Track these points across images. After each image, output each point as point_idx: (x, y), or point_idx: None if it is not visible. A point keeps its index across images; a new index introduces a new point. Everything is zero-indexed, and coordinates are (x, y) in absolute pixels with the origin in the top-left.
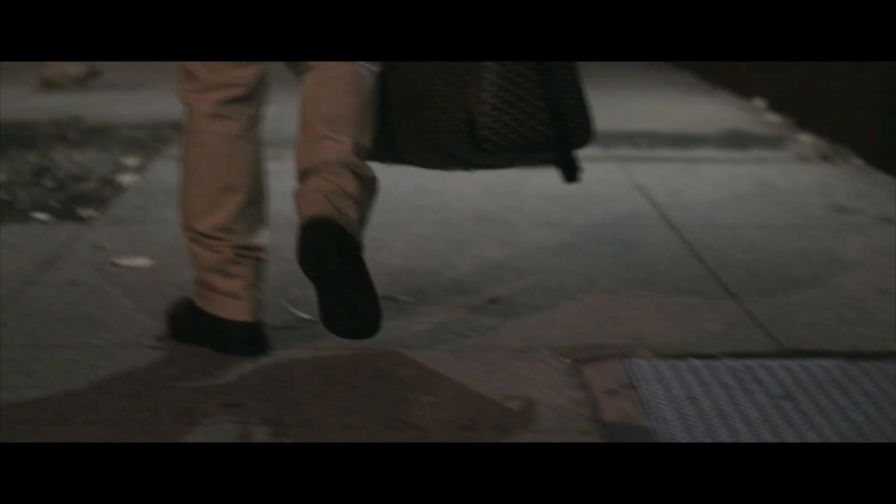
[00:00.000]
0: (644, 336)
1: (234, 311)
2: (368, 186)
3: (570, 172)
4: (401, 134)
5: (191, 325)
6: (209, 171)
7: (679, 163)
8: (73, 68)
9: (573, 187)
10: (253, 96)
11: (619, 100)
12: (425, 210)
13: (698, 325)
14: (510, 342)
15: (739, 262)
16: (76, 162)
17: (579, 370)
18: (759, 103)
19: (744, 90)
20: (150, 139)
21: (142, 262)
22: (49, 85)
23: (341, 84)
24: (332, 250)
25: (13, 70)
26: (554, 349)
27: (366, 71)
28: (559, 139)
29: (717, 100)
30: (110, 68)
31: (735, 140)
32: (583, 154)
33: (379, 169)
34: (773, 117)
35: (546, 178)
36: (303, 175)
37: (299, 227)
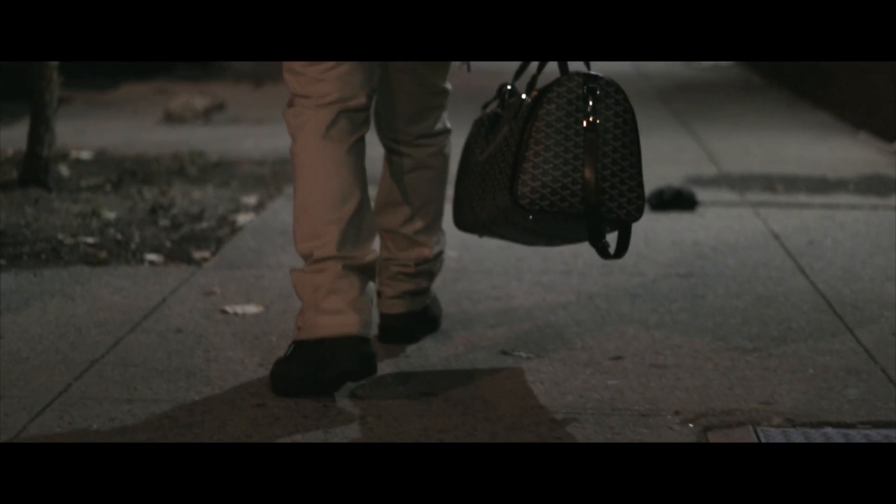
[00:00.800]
0: (776, 401)
1: (340, 326)
2: (439, 264)
3: (598, 248)
4: (479, 206)
5: (294, 368)
6: (331, 184)
7: (817, 209)
8: (198, 101)
9: (707, 236)
10: (367, 109)
11: (756, 140)
12: (552, 257)
13: (835, 390)
14: (633, 405)
15: (881, 320)
16: (194, 199)
17: (706, 438)
18: None
19: (885, 131)
20: (271, 176)
21: (252, 309)
22: (172, 118)
23: (419, 187)
24: (414, 329)
25: (137, 102)
26: (680, 413)
27: (438, 163)
28: (589, 211)
29: (856, 142)
30: (233, 102)
31: (875, 185)
32: (717, 199)
33: None
34: None
35: (677, 225)
36: (383, 267)
37: (383, 318)
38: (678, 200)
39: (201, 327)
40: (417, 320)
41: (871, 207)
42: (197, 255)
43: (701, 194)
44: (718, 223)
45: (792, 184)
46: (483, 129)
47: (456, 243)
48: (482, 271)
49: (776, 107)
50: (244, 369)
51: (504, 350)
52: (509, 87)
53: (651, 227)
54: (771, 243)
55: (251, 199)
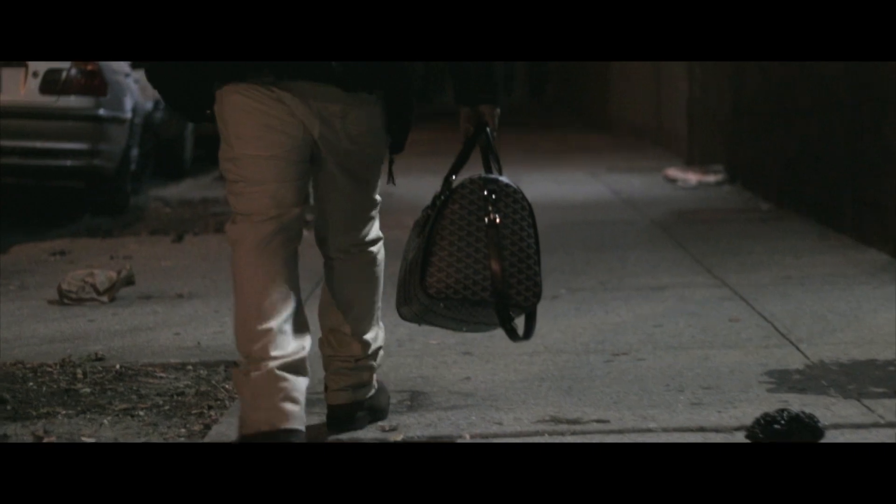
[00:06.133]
0: None
1: (274, 421)
2: (378, 358)
3: (508, 329)
4: (409, 298)
5: None
6: (268, 287)
7: None
8: (100, 276)
9: None
10: (294, 227)
11: (822, 300)
12: None
13: None
14: None
15: None
16: None
17: None
18: None
19: None
20: (193, 394)
21: None
22: (67, 298)
23: (352, 287)
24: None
25: (26, 273)
26: None
27: (372, 265)
28: (498, 298)
29: None
30: (146, 266)
31: None
32: (838, 416)
33: None
34: None
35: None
36: (328, 362)
37: (329, 409)
38: (798, 430)
39: None
40: (360, 409)
41: None
42: None
43: (806, 404)
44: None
45: None
46: (417, 229)
47: None
48: None
49: (812, 244)
50: None
51: None
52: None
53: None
54: None
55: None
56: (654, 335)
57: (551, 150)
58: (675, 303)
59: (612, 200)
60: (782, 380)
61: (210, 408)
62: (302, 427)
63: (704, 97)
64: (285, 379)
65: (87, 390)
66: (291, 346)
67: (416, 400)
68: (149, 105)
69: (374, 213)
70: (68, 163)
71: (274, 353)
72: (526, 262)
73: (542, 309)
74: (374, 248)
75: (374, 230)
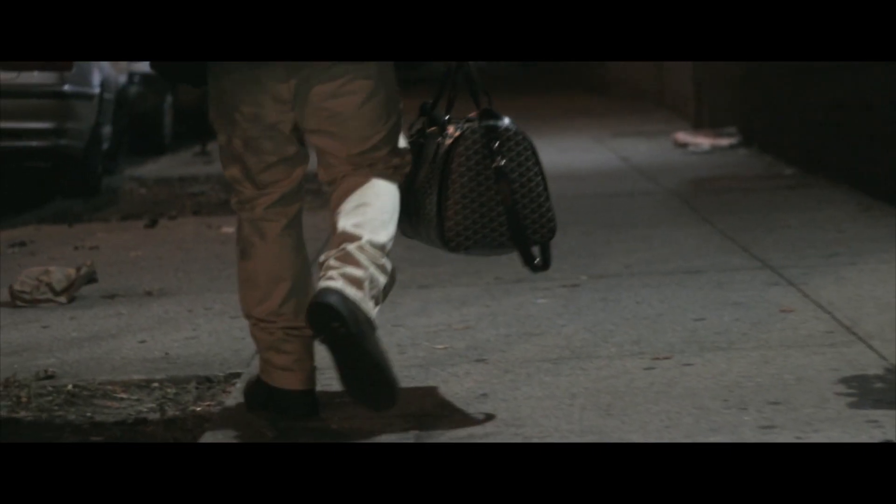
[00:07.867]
0: None
1: (289, 381)
2: (380, 270)
3: (531, 266)
4: (418, 232)
5: (258, 395)
6: (259, 267)
7: None
8: (57, 274)
9: None
10: (291, 197)
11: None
12: None
13: None
14: None
15: None
16: None
17: None
18: None
19: None
20: (157, 421)
21: None
22: (20, 300)
23: (360, 195)
24: (336, 314)
25: None
26: None
27: (384, 180)
28: (517, 240)
29: None
30: (113, 258)
31: None
32: None
33: None
34: None
35: None
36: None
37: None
38: None
39: None
40: (352, 313)
41: None
42: None
43: None
44: None
45: None
46: (423, 159)
47: None
48: None
49: (852, 214)
50: None
51: None
52: (429, 113)
53: None
54: None
55: None
56: (698, 332)
57: (549, 115)
58: (713, 290)
59: (622, 168)
60: (863, 390)
61: (176, 441)
62: (314, 385)
63: None
64: (296, 343)
65: (31, 419)
66: (298, 318)
67: (423, 427)
68: (122, 79)
69: (393, 127)
70: (33, 143)
71: (283, 323)
72: (537, 202)
73: (562, 302)
74: (393, 162)
75: (397, 145)
